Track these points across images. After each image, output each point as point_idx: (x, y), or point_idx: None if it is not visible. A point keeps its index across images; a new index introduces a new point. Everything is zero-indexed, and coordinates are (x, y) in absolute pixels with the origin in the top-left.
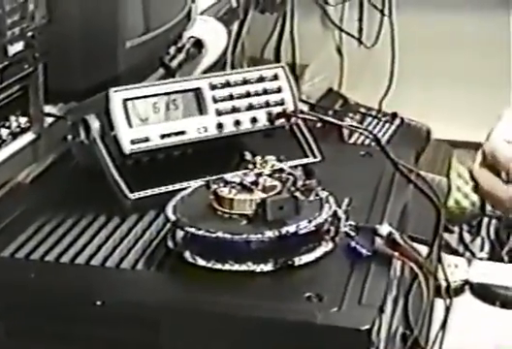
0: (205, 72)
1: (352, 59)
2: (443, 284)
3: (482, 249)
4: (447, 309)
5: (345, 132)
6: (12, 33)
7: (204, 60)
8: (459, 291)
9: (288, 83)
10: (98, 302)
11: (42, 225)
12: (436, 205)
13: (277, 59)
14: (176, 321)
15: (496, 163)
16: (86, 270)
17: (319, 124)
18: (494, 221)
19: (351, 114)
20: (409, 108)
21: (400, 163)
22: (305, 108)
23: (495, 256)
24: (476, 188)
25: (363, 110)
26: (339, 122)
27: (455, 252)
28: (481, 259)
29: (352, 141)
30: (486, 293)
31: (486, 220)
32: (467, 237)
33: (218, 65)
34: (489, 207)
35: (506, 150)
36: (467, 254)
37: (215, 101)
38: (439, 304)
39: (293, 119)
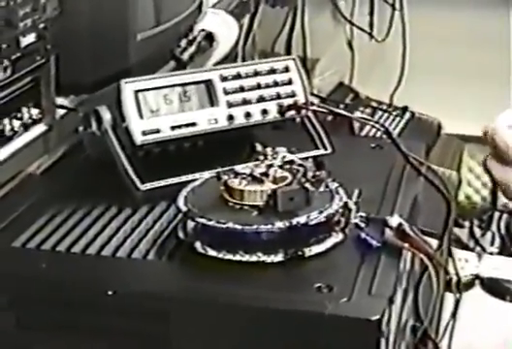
0: (216, 65)
1: (363, 53)
2: (454, 278)
3: (492, 244)
4: (457, 303)
5: (356, 125)
6: (24, 25)
7: (215, 53)
8: (469, 285)
9: (299, 76)
10: (109, 292)
11: (53, 216)
12: (446, 197)
13: (288, 53)
14: (186, 311)
15: (495, 147)
16: (97, 260)
17: (330, 117)
18: (504, 216)
19: (362, 108)
20: (420, 102)
21: (410, 155)
22: (316, 101)
23: (505, 251)
24: (491, 178)
25: (373, 103)
26: (350, 114)
27: (465, 247)
28: (491, 253)
29: (363, 134)
30: (496, 287)
31: (497, 215)
32: (478, 231)
33: (229, 58)
34: (500, 202)
35: (506, 136)
36: (478, 249)
37: (226, 93)
38: (450, 298)
39: (303, 111)
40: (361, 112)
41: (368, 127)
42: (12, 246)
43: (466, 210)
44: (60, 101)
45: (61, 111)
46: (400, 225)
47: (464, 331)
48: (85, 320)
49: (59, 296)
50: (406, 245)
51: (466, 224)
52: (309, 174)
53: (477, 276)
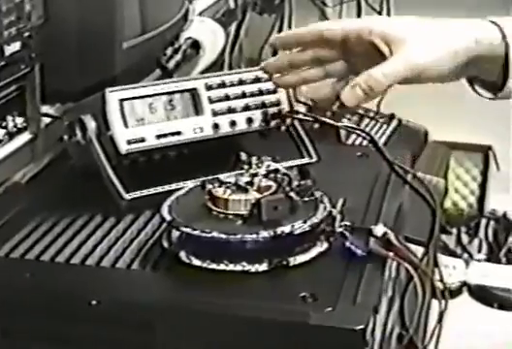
0: (202, 73)
1: None
2: (439, 286)
3: (480, 251)
4: (441, 312)
5: (343, 133)
6: (8, 33)
7: (201, 61)
8: (456, 292)
9: None
10: (93, 302)
11: (37, 225)
12: (431, 205)
13: None
14: (171, 321)
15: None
16: (82, 270)
17: (317, 125)
18: (492, 222)
19: (348, 116)
20: (407, 109)
21: (395, 164)
22: (303, 109)
23: (492, 257)
24: None
25: (360, 111)
26: (335, 123)
27: (453, 254)
28: (479, 260)
29: (350, 142)
30: (484, 294)
31: (484, 221)
32: (465, 238)
33: (216, 66)
34: (487, 209)
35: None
36: (465, 255)
37: (211, 101)
38: (437, 306)
39: (289, 120)
40: (348, 120)
41: (354, 135)
42: None
43: (454, 217)
44: (45, 109)
45: (46, 120)
46: (385, 234)
47: (451, 338)
48: (69, 330)
49: (43, 306)
50: (391, 254)
51: (454, 231)
52: (294, 184)
53: (465, 283)
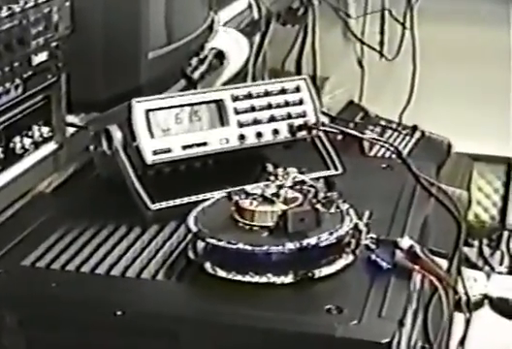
0: (226, 83)
1: (373, 72)
2: (463, 298)
3: (501, 263)
4: (467, 323)
5: (366, 144)
6: (36, 43)
7: (225, 71)
8: (478, 305)
9: (310, 96)
10: (118, 313)
11: (63, 235)
12: (457, 218)
13: (298, 71)
14: (196, 332)
15: None
16: (107, 280)
17: (339, 136)
18: None
19: (371, 127)
20: (430, 121)
21: (421, 176)
22: (326, 120)
23: None
24: None
25: (383, 122)
26: (362, 135)
27: (474, 266)
28: (500, 273)
29: (372, 153)
30: (505, 307)
31: (506, 234)
32: (487, 251)
33: (239, 76)
34: (509, 221)
35: None
36: (487, 268)
37: (237, 112)
38: (458, 318)
39: (314, 132)
40: (371, 131)
41: (377, 146)
42: (21, 265)
43: (475, 229)
44: (70, 119)
45: (71, 130)
46: (411, 247)
47: None
48: (94, 340)
49: (68, 316)
50: (417, 267)
51: (475, 243)
52: (320, 195)
53: (486, 296)
